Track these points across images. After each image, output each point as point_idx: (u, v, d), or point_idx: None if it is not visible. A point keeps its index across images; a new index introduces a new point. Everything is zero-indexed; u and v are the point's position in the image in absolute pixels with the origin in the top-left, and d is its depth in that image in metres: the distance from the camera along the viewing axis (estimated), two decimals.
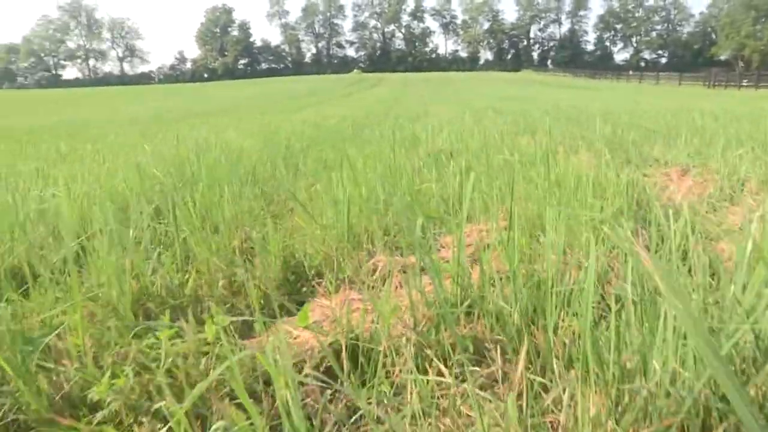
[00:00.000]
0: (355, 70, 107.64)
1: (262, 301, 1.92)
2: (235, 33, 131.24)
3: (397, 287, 1.82)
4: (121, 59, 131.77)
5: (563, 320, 1.32)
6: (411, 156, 3.57)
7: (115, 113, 19.49)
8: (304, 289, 2.00)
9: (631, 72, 72.71)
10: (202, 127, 8.55)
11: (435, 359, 1.27)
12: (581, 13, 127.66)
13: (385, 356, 1.30)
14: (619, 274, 1.59)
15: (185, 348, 1.36)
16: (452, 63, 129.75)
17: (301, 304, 1.92)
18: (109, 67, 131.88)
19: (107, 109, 25.22)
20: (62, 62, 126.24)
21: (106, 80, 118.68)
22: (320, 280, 1.99)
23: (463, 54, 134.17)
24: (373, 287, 1.85)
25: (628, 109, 11.74)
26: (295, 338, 1.49)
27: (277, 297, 1.94)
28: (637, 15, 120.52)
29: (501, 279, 1.59)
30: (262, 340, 1.51)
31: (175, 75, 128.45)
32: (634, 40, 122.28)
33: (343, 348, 1.35)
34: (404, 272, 1.82)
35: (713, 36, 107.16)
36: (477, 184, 2.46)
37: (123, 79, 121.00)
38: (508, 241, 1.65)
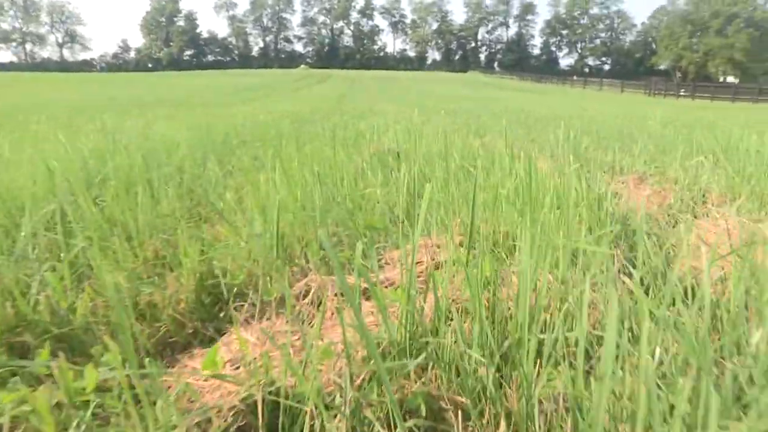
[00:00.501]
0: (302, 66, 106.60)
1: (172, 328, 1.60)
2: (182, 23, 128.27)
3: (332, 314, 1.53)
4: (60, 45, 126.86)
5: (540, 373, 1.03)
6: (354, 156, 3.28)
7: (51, 100, 18.54)
8: (222, 314, 1.67)
9: (575, 77, 74.22)
10: (139, 119, 8.05)
11: (377, 424, 0.99)
12: (528, 17, 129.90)
13: (313, 419, 1.01)
14: (600, 310, 1.34)
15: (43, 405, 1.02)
16: (400, 62, 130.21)
17: (220, 331, 1.62)
18: (48, 52, 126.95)
19: (43, 95, 24.05)
20: None
21: (44, 66, 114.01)
22: (242, 302, 1.67)
23: (412, 53, 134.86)
24: (304, 317, 1.56)
25: (576, 114, 11.74)
26: (202, 385, 1.19)
27: (190, 323, 1.63)
28: (582, 22, 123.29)
29: (459, 311, 1.32)
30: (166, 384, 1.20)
31: (118, 64, 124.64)
32: (578, 46, 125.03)
33: (259, 405, 1.05)
34: (342, 296, 1.54)
35: (653, 46, 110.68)
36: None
37: (62, 66, 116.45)
38: (468, 262, 1.38)
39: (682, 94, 46.06)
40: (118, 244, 1.88)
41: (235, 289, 1.76)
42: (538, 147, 4.94)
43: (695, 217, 2.76)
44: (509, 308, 1.28)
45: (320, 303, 1.60)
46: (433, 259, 1.73)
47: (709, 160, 3.98)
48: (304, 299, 1.65)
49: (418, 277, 1.62)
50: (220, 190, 2.66)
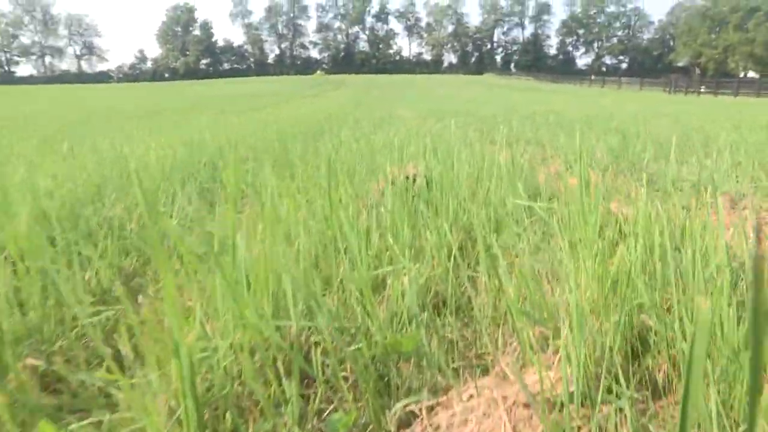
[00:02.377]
0: (318, 72, 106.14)
1: None
2: (197, 32, 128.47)
3: None
4: (78, 57, 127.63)
5: None
6: (367, 187, 2.44)
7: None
8: None
9: (593, 77, 73.05)
10: (134, 132, 7.27)
11: None
12: (544, 17, 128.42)
13: None
14: None
15: None
16: (416, 65, 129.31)
17: None
18: (66, 64, 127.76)
19: (64, 104, 23.51)
20: (16, 58, 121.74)
21: (63, 78, 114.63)
22: None
23: (427, 57, 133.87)
24: None
25: (606, 115, 10.80)
26: None
27: None
28: (598, 21, 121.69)
29: None
30: None
31: (135, 74, 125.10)
32: (595, 45, 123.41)
33: None
34: None
35: (671, 43, 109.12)
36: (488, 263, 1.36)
37: (81, 78, 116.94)
38: None
39: (702, 90, 44.88)
40: None
41: None
42: (596, 163, 4.08)
43: None
44: None
45: None
46: None
47: None
48: None
49: None
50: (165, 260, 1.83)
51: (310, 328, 1.14)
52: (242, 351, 1.03)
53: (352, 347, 1.05)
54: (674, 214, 1.72)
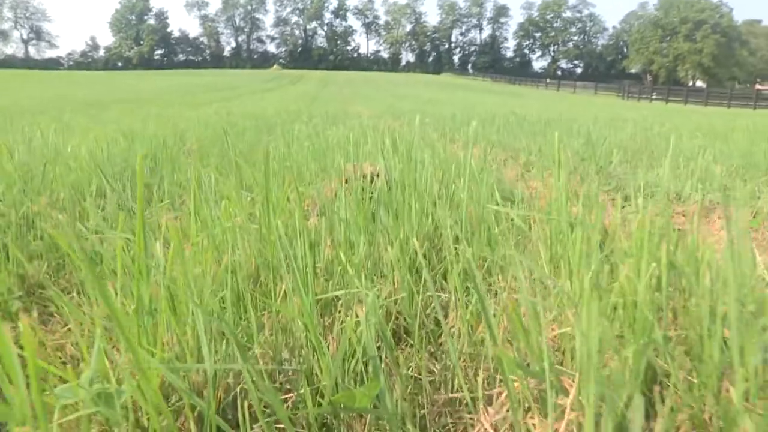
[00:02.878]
0: (275, 66, 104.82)
1: None
2: (152, 21, 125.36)
3: None
4: (25, 41, 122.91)
5: None
6: (319, 186, 2.19)
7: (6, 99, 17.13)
8: None
9: (548, 80, 74.01)
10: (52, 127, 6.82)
11: None
12: (502, 20, 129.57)
13: None
14: None
15: None
16: (374, 63, 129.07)
17: None
18: (12, 49, 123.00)
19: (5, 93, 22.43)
20: None
21: (9, 63, 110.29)
22: None
23: (385, 55, 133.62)
24: None
25: (569, 117, 10.74)
26: None
27: None
28: (555, 25, 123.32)
29: None
30: None
31: (86, 62, 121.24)
32: (551, 49, 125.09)
33: None
34: None
35: (625, 50, 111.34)
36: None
37: (27, 63, 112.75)
38: None
39: (654, 97, 45.91)
40: None
41: None
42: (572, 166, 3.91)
43: None
44: None
45: None
46: None
47: None
48: None
49: None
50: None
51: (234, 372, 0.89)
52: (146, 402, 0.78)
53: (289, 401, 0.82)
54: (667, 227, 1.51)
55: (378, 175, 2.18)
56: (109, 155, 3.61)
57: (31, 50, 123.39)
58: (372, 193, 1.83)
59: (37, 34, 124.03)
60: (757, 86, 63.54)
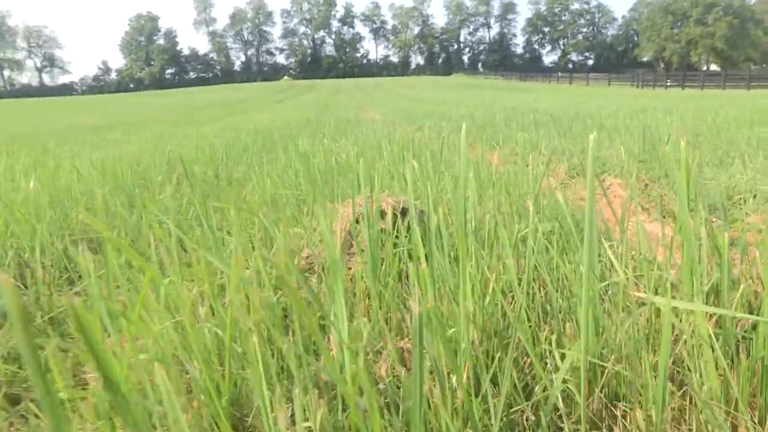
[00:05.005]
0: (285, 77, 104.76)
1: None
2: (161, 41, 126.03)
3: None
4: (39, 70, 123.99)
5: None
6: (323, 226, 1.64)
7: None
8: None
9: (560, 74, 73.04)
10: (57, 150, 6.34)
11: None
12: (509, 16, 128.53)
13: None
14: None
15: None
16: (383, 68, 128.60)
17: None
18: (27, 78, 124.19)
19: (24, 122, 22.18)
20: None
21: (24, 92, 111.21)
22: None
23: (395, 59, 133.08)
24: None
25: (594, 111, 10.11)
26: None
27: None
28: (563, 18, 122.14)
29: None
30: None
31: (99, 86, 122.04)
32: (561, 42, 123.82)
33: None
34: None
35: (635, 38, 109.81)
36: None
37: (42, 91, 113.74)
38: None
39: (669, 84, 45.01)
40: None
41: None
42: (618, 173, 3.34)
43: None
44: None
45: None
46: None
47: None
48: None
49: None
50: None
51: None
52: None
53: None
54: None
55: (403, 213, 1.60)
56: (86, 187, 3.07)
57: (45, 77, 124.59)
58: (397, 245, 1.25)
59: (50, 62, 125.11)
60: None
